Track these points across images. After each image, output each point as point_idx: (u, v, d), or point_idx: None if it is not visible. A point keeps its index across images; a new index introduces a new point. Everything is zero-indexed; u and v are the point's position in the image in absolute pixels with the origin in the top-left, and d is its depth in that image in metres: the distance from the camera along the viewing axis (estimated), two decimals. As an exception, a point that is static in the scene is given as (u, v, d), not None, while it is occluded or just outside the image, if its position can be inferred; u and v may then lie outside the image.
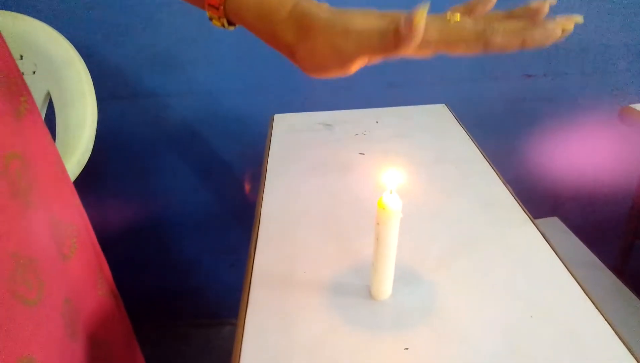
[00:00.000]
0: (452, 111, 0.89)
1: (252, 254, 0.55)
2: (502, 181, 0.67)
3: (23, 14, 0.92)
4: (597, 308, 0.46)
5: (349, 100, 1.08)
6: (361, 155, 0.75)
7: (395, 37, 0.32)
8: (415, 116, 0.88)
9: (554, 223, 1.10)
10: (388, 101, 1.07)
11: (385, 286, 0.47)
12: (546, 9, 0.32)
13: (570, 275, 0.51)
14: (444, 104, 0.91)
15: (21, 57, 0.89)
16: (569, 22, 0.31)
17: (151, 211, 1.23)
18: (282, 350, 0.42)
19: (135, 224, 1.25)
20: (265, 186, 0.68)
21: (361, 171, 0.71)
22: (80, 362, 0.47)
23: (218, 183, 1.20)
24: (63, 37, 0.90)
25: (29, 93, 0.44)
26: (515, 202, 0.62)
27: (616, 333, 0.43)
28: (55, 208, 0.46)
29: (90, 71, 0.91)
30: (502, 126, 1.11)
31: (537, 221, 1.16)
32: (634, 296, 0.89)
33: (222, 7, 0.39)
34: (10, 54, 0.42)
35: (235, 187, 1.21)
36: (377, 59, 0.36)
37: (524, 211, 0.60)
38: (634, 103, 0.92)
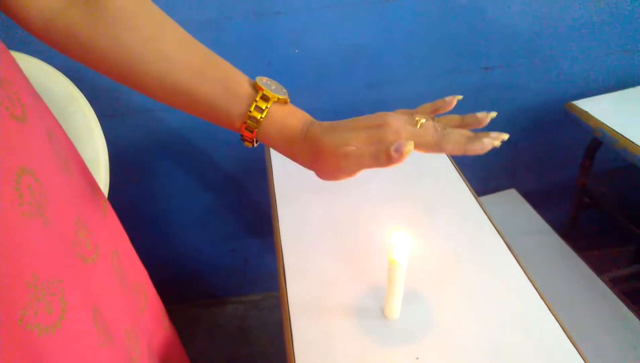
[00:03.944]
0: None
1: (284, 285, 0.69)
2: (473, 195, 0.81)
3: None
4: (546, 305, 0.63)
5: (331, 102, 1.18)
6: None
7: (386, 158, 0.41)
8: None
9: (512, 194, 1.27)
10: (368, 102, 1.19)
11: (396, 309, 0.62)
12: (487, 121, 0.46)
13: (529, 281, 0.67)
14: (416, 110, 1.04)
15: (24, 99, 0.93)
16: (498, 140, 0.43)
17: (152, 214, 1.33)
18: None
19: (138, 226, 1.35)
20: (278, 213, 0.80)
21: (357, 190, 0.84)
22: None
23: (212, 181, 1.31)
24: (60, 73, 0.95)
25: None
26: (486, 216, 0.77)
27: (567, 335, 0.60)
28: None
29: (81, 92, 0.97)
30: (465, 113, 1.25)
31: (498, 193, 1.33)
32: (576, 255, 1.09)
33: (254, 138, 0.47)
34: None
35: (228, 182, 1.32)
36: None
37: (495, 228, 0.75)
38: (578, 95, 1.07)
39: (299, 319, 0.64)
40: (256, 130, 0.45)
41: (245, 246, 1.44)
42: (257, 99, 0.45)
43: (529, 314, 0.62)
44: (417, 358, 0.58)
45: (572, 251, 1.10)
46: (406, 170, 0.87)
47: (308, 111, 1.19)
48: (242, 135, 0.46)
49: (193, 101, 0.45)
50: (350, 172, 0.44)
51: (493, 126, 1.43)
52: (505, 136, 0.44)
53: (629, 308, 1.00)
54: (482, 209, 0.78)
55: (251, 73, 1.19)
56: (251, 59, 1.10)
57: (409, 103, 1.06)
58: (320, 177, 0.47)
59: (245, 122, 0.45)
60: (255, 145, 0.49)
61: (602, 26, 1.14)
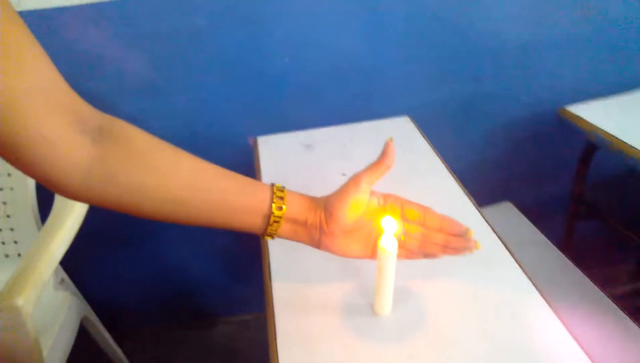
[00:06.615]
0: (415, 122, 1.01)
1: (269, 284, 0.65)
2: (465, 192, 0.79)
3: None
4: (542, 296, 0.59)
5: (321, 113, 1.17)
6: (343, 176, 0.85)
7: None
8: (383, 130, 0.98)
9: (507, 207, 1.25)
10: (356, 112, 1.17)
11: (387, 304, 0.58)
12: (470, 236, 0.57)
13: (524, 274, 0.63)
14: (407, 116, 1.02)
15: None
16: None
17: (139, 228, 1.29)
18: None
19: (124, 246, 1.31)
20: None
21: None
22: None
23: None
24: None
25: None
26: (479, 213, 0.74)
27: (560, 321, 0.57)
28: None
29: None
30: (457, 125, 1.24)
31: (493, 206, 1.31)
32: (576, 269, 1.06)
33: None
34: None
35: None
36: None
37: (487, 223, 0.72)
38: (569, 103, 1.06)
39: (284, 319, 0.60)
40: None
41: (235, 265, 1.39)
42: (269, 231, 0.57)
43: (526, 309, 0.58)
44: (410, 357, 0.54)
45: (570, 263, 1.06)
46: (403, 183, 0.85)
47: (298, 119, 1.19)
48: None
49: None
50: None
51: (486, 142, 1.43)
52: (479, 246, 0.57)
53: (634, 322, 0.96)
54: (476, 208, 0.75)
55: (243, 82, 1.18)
56: (242, 69, 1.09)
57: (398, 114, 1.05)
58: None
59: (264, 236, 0.58)
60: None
61: (590, 36, 1.15)
